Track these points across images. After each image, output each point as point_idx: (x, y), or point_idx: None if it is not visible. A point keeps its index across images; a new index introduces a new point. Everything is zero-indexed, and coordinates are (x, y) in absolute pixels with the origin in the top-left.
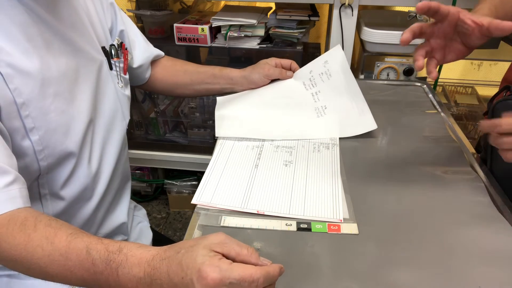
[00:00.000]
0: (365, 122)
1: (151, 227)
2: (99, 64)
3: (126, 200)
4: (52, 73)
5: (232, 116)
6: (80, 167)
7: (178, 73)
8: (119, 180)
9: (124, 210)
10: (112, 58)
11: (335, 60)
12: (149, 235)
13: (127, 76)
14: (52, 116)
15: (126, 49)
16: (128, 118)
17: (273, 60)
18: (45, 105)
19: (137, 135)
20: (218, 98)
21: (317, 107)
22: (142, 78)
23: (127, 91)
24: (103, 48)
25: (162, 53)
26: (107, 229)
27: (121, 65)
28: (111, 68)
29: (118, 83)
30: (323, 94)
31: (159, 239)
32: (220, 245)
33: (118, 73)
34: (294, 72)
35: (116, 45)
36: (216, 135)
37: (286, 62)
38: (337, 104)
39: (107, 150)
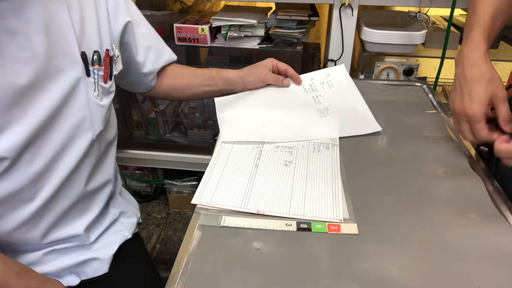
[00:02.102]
0: (369, 124)
1: (130, 242)
2: (71, 70)
3: (94, 208)
4: None
5: (236, 120)
6: (14, 170)
7: (176, 77)
8: (82, 187)
9: (86, 219)
10: (93, 65)
11: (337, 75)
12: (112, 249)
13: (107, 85)
14: None
15: (110, 57)
16: (99, 128)
17: (270, 62)
18: None
19: (137, 135)
20: (217, 100)
21: (319, 109)
22: (147, 85)
23: (105, 101)
24: (83, 54)
25: (173, 58)
26: (61, 234)
27: (101, 73)
28: (88, 75)
29: (94, 90)
30: (324, 98)
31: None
32: None
33: (96, 81)
34: (290, 78)
35: (99, 52)
36: (222, 141)
37: (282, 66)
38: (339, 107)
39: (62, 156)
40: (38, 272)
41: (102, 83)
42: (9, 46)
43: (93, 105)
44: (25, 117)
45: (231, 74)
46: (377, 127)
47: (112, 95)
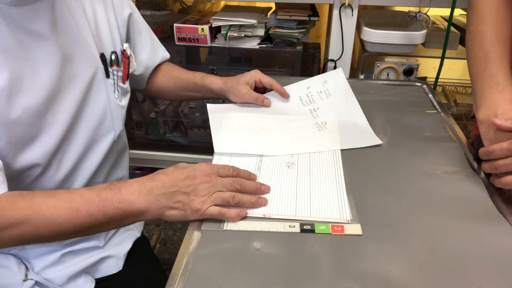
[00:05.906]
0: (369, 137)
1: (139, 241)
2: (92, 72)
3: None
4: (24, 86)
5: (230, 131)
6: (45, 175)
7: (165, 78)
8: None
9: None
10: (111, 66)
11: (335, 82)
12: (126, 247)
13: (125, 86)
14: (18, 129)
15: (128, 57)
16: (119, 129)
17: (253, 78)
18: (10, 118)
19: (137, 135)
20: (209, 106)
21: (317, 123)
22: (143, 82)
23: (124, 101)
24: (102, 55)
25: (166, 57)
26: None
27: (120, 74)
28: (108, 76)
29: (114, 92)
30: (322, 111)
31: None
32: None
33: (116, 82)
34: (277, 92)
35: (118, 53)
36: (215, 151)
37: (266, 81)
38: (337, 121)
39: (86, 158)
40: (56, 274)
41: (121, 84)
42: (38, 51)
43: (113, 106)
44: (55, 122)
45: (214, 85)
46: (377, 141)
47: (128, 95)
